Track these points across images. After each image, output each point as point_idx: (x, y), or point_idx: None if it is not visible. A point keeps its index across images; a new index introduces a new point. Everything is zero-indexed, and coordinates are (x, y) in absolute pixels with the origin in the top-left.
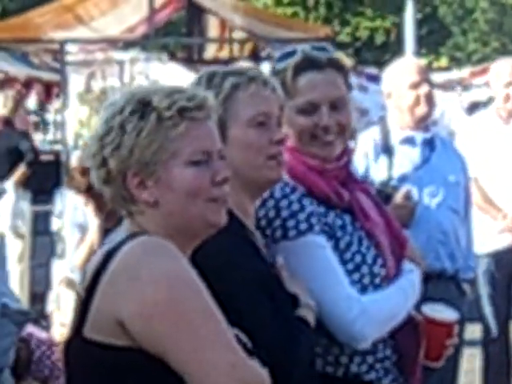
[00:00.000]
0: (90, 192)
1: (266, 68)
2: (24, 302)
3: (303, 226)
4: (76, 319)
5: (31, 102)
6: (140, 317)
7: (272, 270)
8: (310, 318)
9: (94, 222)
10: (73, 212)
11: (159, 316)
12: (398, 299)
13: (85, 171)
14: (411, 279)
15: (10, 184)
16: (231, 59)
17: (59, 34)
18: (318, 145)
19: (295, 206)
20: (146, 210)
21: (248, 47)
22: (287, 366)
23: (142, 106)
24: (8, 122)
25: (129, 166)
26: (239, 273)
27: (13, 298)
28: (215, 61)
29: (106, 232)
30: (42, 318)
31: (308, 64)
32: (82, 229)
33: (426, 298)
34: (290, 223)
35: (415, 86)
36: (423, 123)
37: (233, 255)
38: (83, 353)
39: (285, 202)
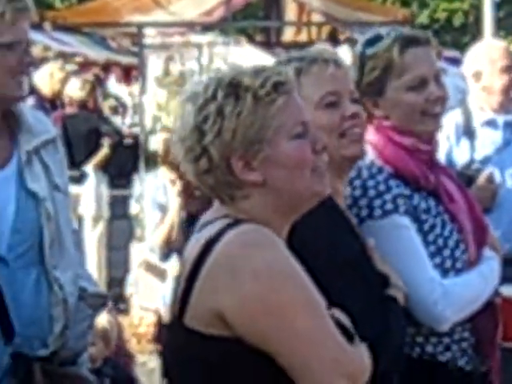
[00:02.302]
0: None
1: (344, 51)
2: (102, 286)
3: (389, 207)
4: (176, 307)
5: (111, 85)
6: (240, 310)
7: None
8: (400, 298)
9: (175, 202)
10: (154, 191)
11: (260, 309)
12: (478, 284)
13: None
14: (492, 265)
15: (89, 168)
16: (309, 42)
17: (137, 18)
18: (427, 120)
19: (382, 187)
20: (252, 193)
21: (326, 30)
22: (380, 345)
23: (234, 88)
24: (85, 105)
25: (232, 149)
26: (337, 252)
27: (91, 281)
28: (293, 44)
29: (191, 216)
30: (120, 302)
31: (410, 41)
32: (163, 209)
33: (504, 279)
34: (376, 203)
35: (508, 68)
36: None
37: (330, 234)
38: (184, 341)
39: (372, 182)
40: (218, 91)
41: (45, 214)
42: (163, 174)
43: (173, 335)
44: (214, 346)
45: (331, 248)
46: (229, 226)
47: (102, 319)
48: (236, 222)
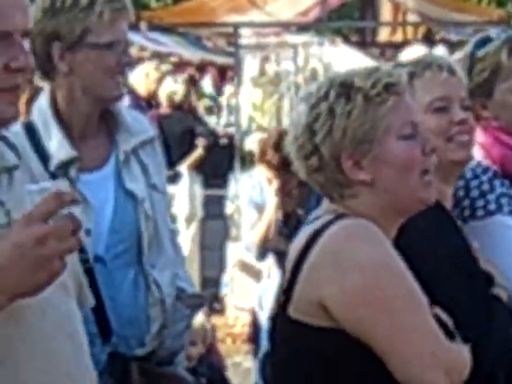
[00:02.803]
0: (279, 169)
1: (439, 51)
2: (196, 286)
3: (492, 207)
4: (281, 297)
5: (206, 85)
6: (342, 302)
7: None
8: (505, 298)
9: (272, 201)
10: (250, 190)
11: (362, 302)
12: None
13: (278, 147)
14: None
15: (183, 168)
16: (404, 43)
17: (233, 18)
18: None
19: (485, 187)
20: (361, 192)
21: (421, 30)
22: (484, 344)
23: (345, 88)
24: (180, 105)
25: (342, 148)
26: (443, 254)
27: (189, 281)
28: (388, 44)
29: (286, 215)
30: (215, 302)
31: None
32: (259, 208)
33: None
34: (479, 203)
35: None
36: None
37: (437, 237)
38: (288, 331)
39: (475, 183)
40: (330, 91)
41: (143, 214)
42: (259, 174)
43: (278, 327)
44: (316, 337)
45: (438, 250)
46: (334, 220)
47: (198, 319)
48: (342, 216)
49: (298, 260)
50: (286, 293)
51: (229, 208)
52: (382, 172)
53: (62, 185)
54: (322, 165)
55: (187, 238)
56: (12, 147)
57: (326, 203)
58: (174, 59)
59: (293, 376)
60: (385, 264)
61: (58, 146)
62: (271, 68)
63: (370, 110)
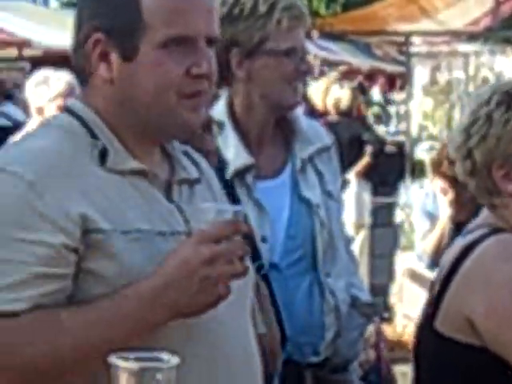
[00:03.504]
0: (454, 180)
1: None
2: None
3: None
4: (429, 308)
5: (375, 93)
6: (489, 319)
7: None
8: None
9: (446, 212)
10: (423, 199)
11: (507, 322)
12: None
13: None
14: None
15: (351, 175)
16: None
17: (404, 27)
18: None
19: None
20: (510, 204)
21: None
22: None
23: (508, 97)
24: (349, 112)
25: (494, 157)
26: None
27: (363, 290)
28: None
29: (457, 225)
30: (384, 310)
31: None
32: (432, 218)
33: None
34: None
35: None
36: None
37: None
38: (432, 344)
39: None
40: (492, 98)
41: (318, 222)
42: (431, 183)
43: (423, 339)
44: (461, 352)
45: None
46: (487, 235)
47: (370, 326)
48: (494, 231)
49: (448, 273)
50: (434, 305)
51: (398, 216)
52: None
53: (240, 210)
54: (474, 170)
55: (356, 246)
56: (195, 163)
57: (483, 214)
58: (342, 67)
59: None
60: None
61: (234, 153)
62: (442, 77)
63: None
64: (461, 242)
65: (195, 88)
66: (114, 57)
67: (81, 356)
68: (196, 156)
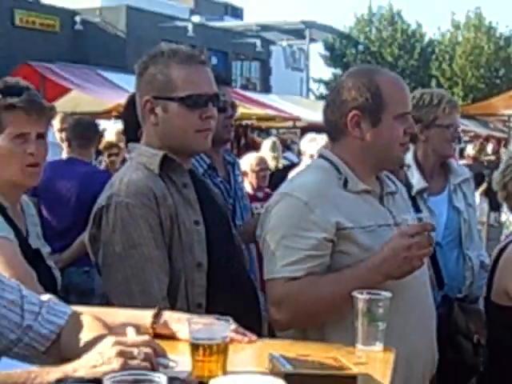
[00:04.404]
0: None
1: None
2: None
3: None
4: (487, 284)
5: (489, 149)
6: None
7: None
8: None
9: None
10: None
11: None
12: None
13: None
14: None
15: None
16: None
17: (507, 111)
18: None
19: None
20: None
21: None
22: None
23: None
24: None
25: None
26: None
27: (486, 258)
28: None
29: None
30: None
31: None
32: None
33: None
34: None
35: None
36: None
37: None
38: (489, 311)
39: None
40: None
41: (462, 220)
42: None
43: (485, 307)
44: (507, 314)
45: None
46: None
47: None
48: None
49: (495, 259)
50: (489, 281)
51: None
52: None
53: (422, 216)
54: (507, 197)
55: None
56: (392, 181)
57: None
58: (471, 134)
59: (498, 352)
60: None
61: (416, 180)
62: None
63: None
64: (504, 239)
65: (405, 141)
66: (364, 124)
67: (336, 299)
68: (393, 177)
